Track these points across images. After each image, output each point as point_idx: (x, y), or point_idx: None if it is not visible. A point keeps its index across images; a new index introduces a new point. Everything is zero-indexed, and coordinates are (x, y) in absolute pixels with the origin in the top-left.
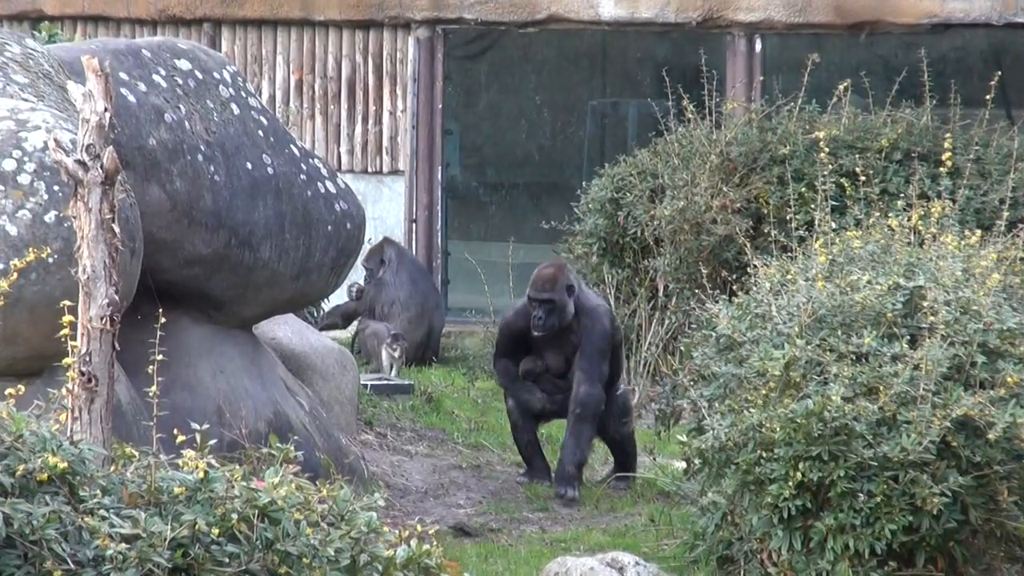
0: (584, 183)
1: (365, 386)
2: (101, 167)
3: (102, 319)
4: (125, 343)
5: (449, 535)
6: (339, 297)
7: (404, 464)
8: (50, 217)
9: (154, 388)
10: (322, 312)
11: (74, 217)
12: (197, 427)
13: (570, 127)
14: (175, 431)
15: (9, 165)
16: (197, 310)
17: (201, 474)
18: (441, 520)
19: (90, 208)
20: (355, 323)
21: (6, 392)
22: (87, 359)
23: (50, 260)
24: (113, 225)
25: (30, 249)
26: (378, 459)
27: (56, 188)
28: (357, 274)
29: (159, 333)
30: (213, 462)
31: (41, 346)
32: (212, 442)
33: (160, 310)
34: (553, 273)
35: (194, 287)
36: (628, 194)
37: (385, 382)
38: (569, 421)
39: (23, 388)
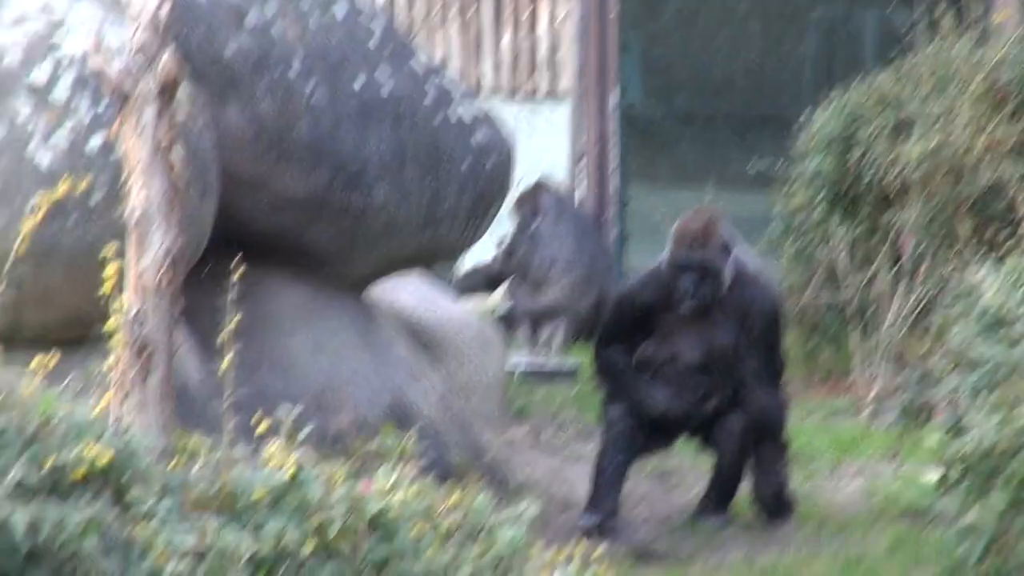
0: (805, 115)
1: (515, 369)
2: (155, 77)
3: (158, 272)
4: (197, 310)
5: (626, 562)
6: (482, 255)
7: (565, 469)
8: (94, 144)
9: (227, 359)
10: (458, 274)
11: (121, 142)
12: (285, 412)
13: (786, 43)
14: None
15: (40, 76)
16: (292, 268)
17: (290, 473)
18: (615, 541)
19: (141, 130)
20: (502, 288)
21: (33, 364)
22: (139, 322)
23: (93, 199)
24: (171, 152)
25: (88, 173)
26: (531, 462)
27: (102, 106)
28: (504, 225)
29: (232, 286)
30: (307, 458)
31: (81, 308)
32: (307, 429)
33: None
34: (705, 226)
35: (288, 239)
36: (864, 129)
37: (542, 364)
38: (731, 443)
39: (55, 358)
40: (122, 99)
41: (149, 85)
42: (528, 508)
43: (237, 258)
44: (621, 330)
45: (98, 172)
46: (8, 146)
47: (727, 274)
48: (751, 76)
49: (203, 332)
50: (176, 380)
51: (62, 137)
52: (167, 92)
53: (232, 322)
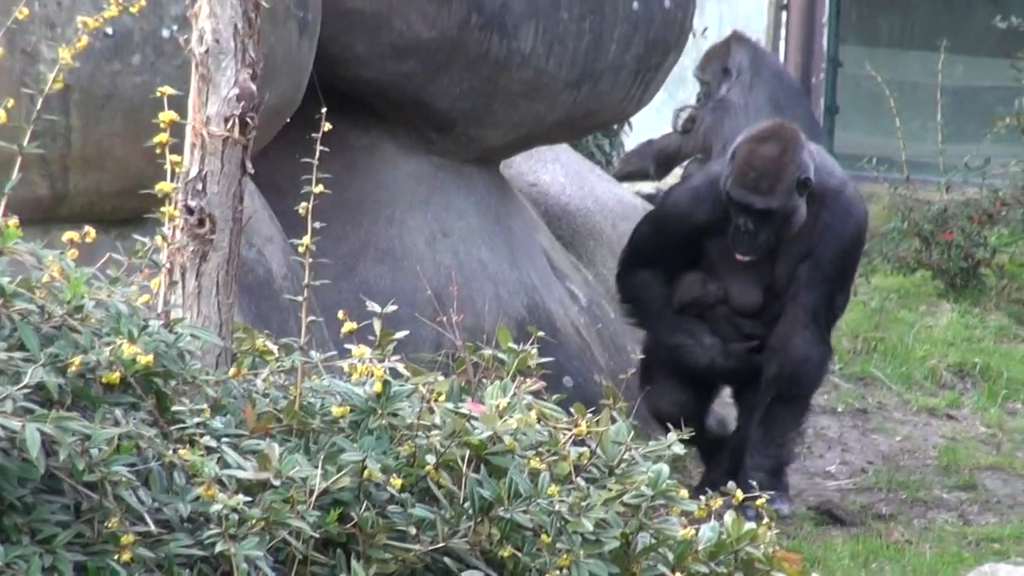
0: None
1: None
2: None
3: (227, 121)
4: (289, 182)
5: (808, 521)
6: (653, 127)
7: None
8: None
9: (306, 239)
10: (622, 149)
11: None
12: (375, 307)
13: None
14: (341, 315)
15: None
16: (409, 132)
17: (378, 386)
18: (797, 496)
19: None
20: (679, 169)
21: (64, 237)
22: (198, 187)
23: (165, 32)
24: None
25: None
26: None
27: None
28: (685, 89)
29: (316, 147)
30: (400, 367)
31: (144, 173)
32: (401, 334)
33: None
34: (778, 158)
35: (406, 92)
36: None
37: None
38: (763, 397)
39: (93, 232)
40: None
41: None
42: (675, 442)
43: (323, 110)
44: (660, 251)
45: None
46: None
47: (801, 214)
48: None
49: (295, 211)
50: (258, 269)
51: None
52: None
53: (316, 187)
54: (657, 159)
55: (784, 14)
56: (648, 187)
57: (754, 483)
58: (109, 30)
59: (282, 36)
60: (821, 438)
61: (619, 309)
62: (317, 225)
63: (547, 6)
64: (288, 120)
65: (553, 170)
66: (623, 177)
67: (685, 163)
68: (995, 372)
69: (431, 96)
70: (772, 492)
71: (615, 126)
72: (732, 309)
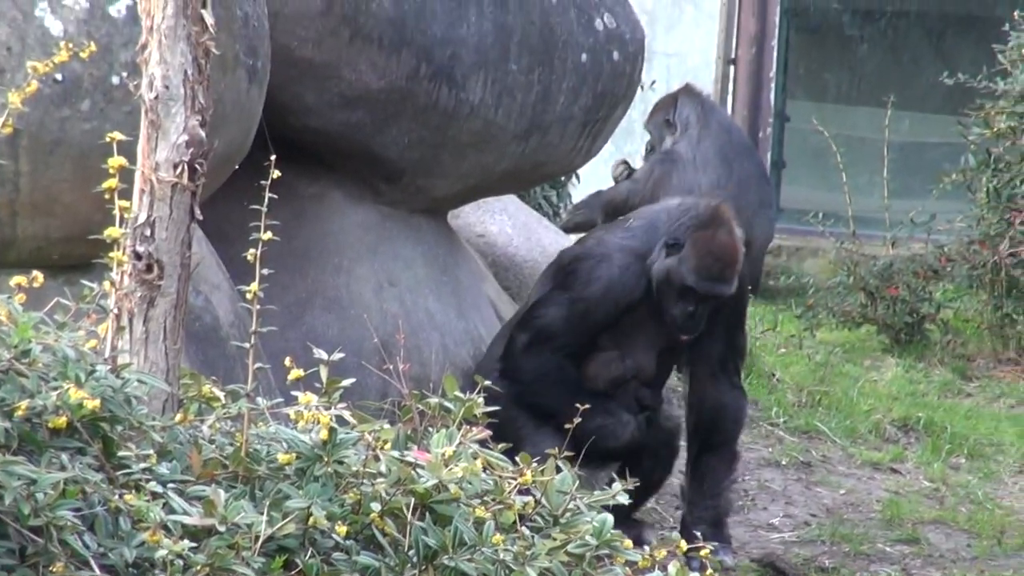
0: (1017, 14)
1: None
2: None
3: (176, 168)
4: (238, 229)
5: (751, 573)
6: (602, 178)
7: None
8: (120, 9)
9: (254, 286)
10: (569, 201)
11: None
12: (322, 354)
13: None
14: (288, 362)
15: None
16: (357, 182)
17: (324, 433)
18: (740, 548)
19: None
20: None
21: (12, 282)
22: (146, 232)
23: (115, 79)
24: (204, 12)
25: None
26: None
27: None
28: (633, 141)
29: (265, 193)
30: (347, 415)
31: (92, 219)
32: (347, 382)
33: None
34: (733, 242)
35: (355, 142)
36: None
37: None
38: (690, 452)
39: (41, 277)
40: None
41: None
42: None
43: (272, 157)
44: (577, 335)
45: (124, 43)
46: (12, 7)
47: None
48: None
49: (243, 260)
50: (205, 316)
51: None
52: None
53: (264, 234)
54: (605, 210)
55: (732, 68)
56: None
57: (698, 534)
58: (59, 76)
59: (231, 83)
60: (765, 491)
61: (506, 390)
62: (265, 272)
63: (496, 57)
64: (236, 168)
65: (501, 221)
66: (571, 228)
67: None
68: (939, 427)
69: (380, 146)
70: (715, 544)
71: (563, 178)
72: (641, 381)
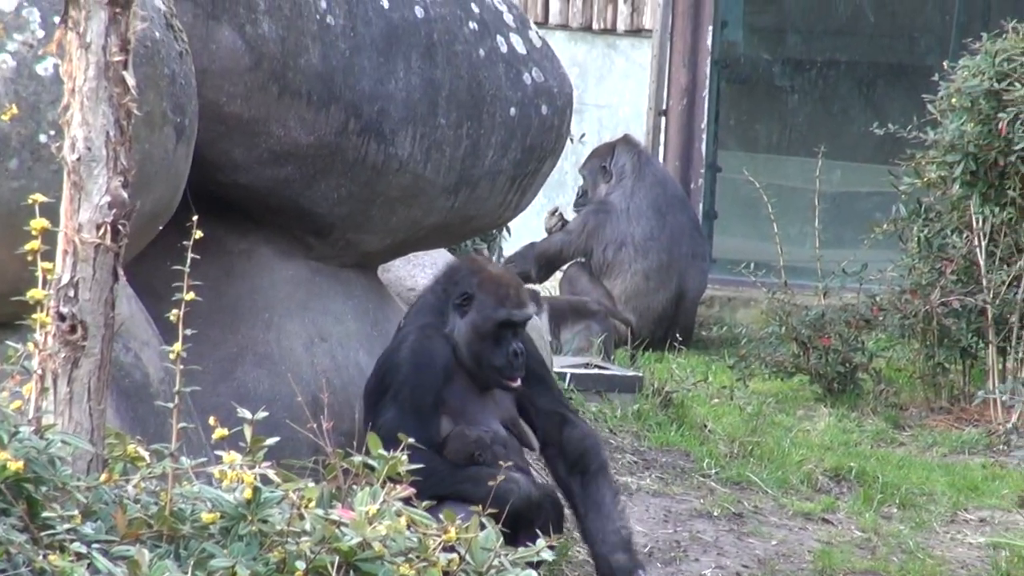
0: (946, 64)
1: (562, 376)
2: None
3: (99, 229)
4: (167, 286)
5: None
6: (533, 231)
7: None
8: (47, 67)
9: (177, 346)
10: (500, 254)
11: (61, 58)
12: (246, 414)
13: None
14: (213, 421)
15: None
16: (287, 237)
17: (248, 493)
18: None
19: (87, 43)
20: (560, 273)
21: None
22: (70, 293)
23: (43, 137)
24: (125, 74)
25: (10, 105)
26: None
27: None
28: (565, 193)
29: (188, 254)
30: (271, 474)
31: (21, 278)
32: (271, 441)
33: (204, 225)
34: (508, 272)
35: (284, 198)
36: (1017, 85)
37: (597, 371)
38: (571, 490)
39: None
40: (65, 4)
41: None
42: (544, 548)
43: (194, 218)
44: (417, 428)
45: (51, 102)
46: None
47: None
48: (882, 14)
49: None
50: (135, 373)
51: (7, 57)
52: None
53: (187, 294)
54: (539, 261)
55: (663, 119)
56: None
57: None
58: None
59: (158, 141)
60: (697, 541)
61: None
62: (188, 332)
63: (424, 112)
64: (166, 225)
65: (431, 275)
66: None
67: (565, 267)
68: (871, 476)
69: (309, 201)
70: (638, 569)
71: (493, 231)
72: (498, 444)
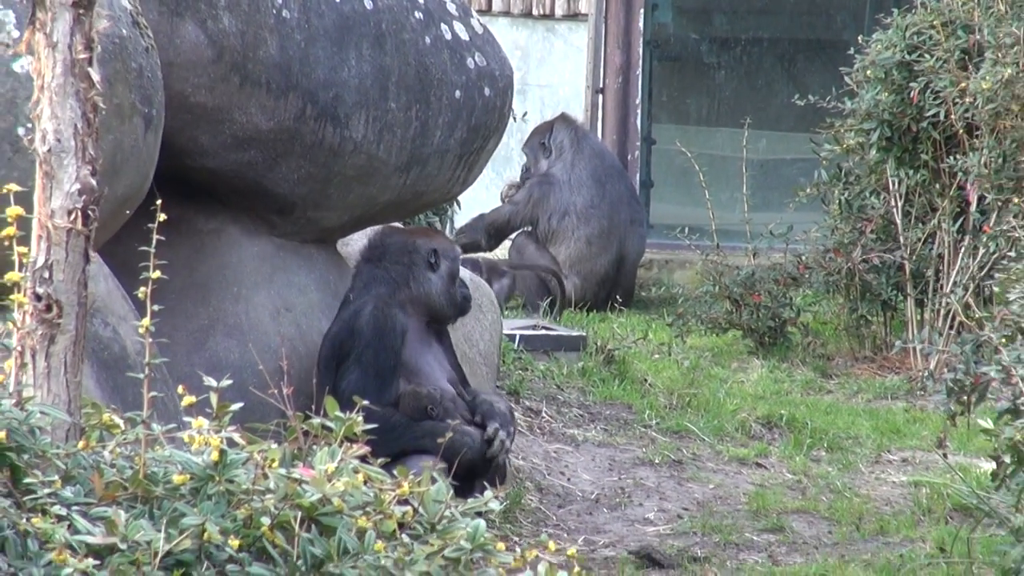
0: (861, 38)
1: (511, 337)
2: None
3: (70, 214)
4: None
5: (629, 564)
6: (482, 202)
7: (566, 456)
8: (23, 65)
9: (146, 321)
10: (451, 225)
11: (30, 57)
12: (212, 382)
13: None
14: (181, 389)
15: None
16: (252, 216)
17: (215, 455)
18: (618, 541)
19: (54, 42)
20: (509, 242)
21: None
22: (44, 275)
23: (21, 130)
24: (90, 70)
25: None
26: (526, 447)
27: None
28: (511, 168)
29: (153, 228)
30: (236, 438)
31: (4, 263)
32: (235, 407)
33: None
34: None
35: (248, 180)
36: (927, 56)
37: (544, 332)
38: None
39: None
40: (33, 5)
41: None
42: (491, 499)
43: (158, 202)
44: (387, 374)
45: (27, 97)
46: None
47: None
48: None
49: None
50: (113, 346)
51: None
52: None
53: (153, 271)
54: (488, 231)
55: (600, 97)
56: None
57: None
58: None
59: (128, 131)
60: (640, 487)
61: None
62: (158, 307)
63: (376, 97)
64: (139, 207)
65: None
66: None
67: (514, 234)
68: (800, 423)
69: (271, 182)
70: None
71: (444, 205)
72: (448, 399)
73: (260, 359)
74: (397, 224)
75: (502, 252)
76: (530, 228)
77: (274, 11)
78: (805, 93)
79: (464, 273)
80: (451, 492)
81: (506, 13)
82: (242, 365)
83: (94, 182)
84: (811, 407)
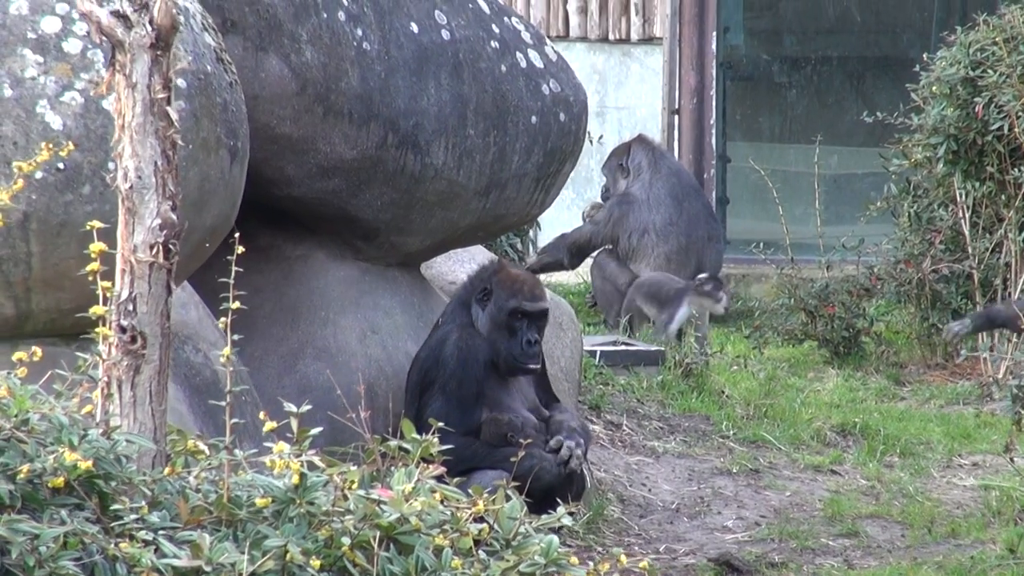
0: (926, 55)
1: (592, 353)
2: (150, 22)
3: (152, 249)
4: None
5: (709, 571)
6: (563, 222)
7: (646, 467)
8: (112, 102)
9: (227, 350)
10: (532, 246)
11: (112, 97)
12: (292, 407)
13: None
14: (262, 415)
15: (51, 26)
16: (337, 242)
17: (295, 478)
18: (698, 549)
19: (134, 83)
20: (591, 259)
21: (14, 357)
22: (129, 307)
23: (111, 164)
24: (168, 109)
25: (68, 142)
26: (607, 460)
27: None
28: (592, 188)
29: (235, 266)
30: (316, 461)
31: (84, 294)
32: (315, 431)
33: (248, 236)
34: (527, 272)
35: (333, 207)
36: (990, 72)
37: (624, 348)
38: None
39: (39, 352)
40: (113, 48)
41: (143, 32)
42: (564, 515)
43: (236, 234)
44: (468, 402)
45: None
46: (15, 105)
47: None
48: (869, 12)
49: (241, 317)
50: (205, 371)
51: (75, 95)
52: (163, 40)
53: (237, 300)
54: (570, 250)
55: (676, 118)
56: (567, 277)
57: None
58: (61, 165)
59: (214, 163)
60: (719, 496)
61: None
62: (238, 337)
63: (455, 124)
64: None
65: (470, 268)
66: (539, 269)
67: (594, 254)
68: (874, 430)
69: (355, 209)
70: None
71: (524, 227)
72: (532, 427)
73: (348, 381)
74: (511, 261)
75: (584, 270)
76: (611, 246)
77: (355, 44)
78: (874, 110)
79: (550, 297)
80: (524, 509)
81: (583, 39)
82: (331, 387)
83: (174, 217)
84: (884, 414)
